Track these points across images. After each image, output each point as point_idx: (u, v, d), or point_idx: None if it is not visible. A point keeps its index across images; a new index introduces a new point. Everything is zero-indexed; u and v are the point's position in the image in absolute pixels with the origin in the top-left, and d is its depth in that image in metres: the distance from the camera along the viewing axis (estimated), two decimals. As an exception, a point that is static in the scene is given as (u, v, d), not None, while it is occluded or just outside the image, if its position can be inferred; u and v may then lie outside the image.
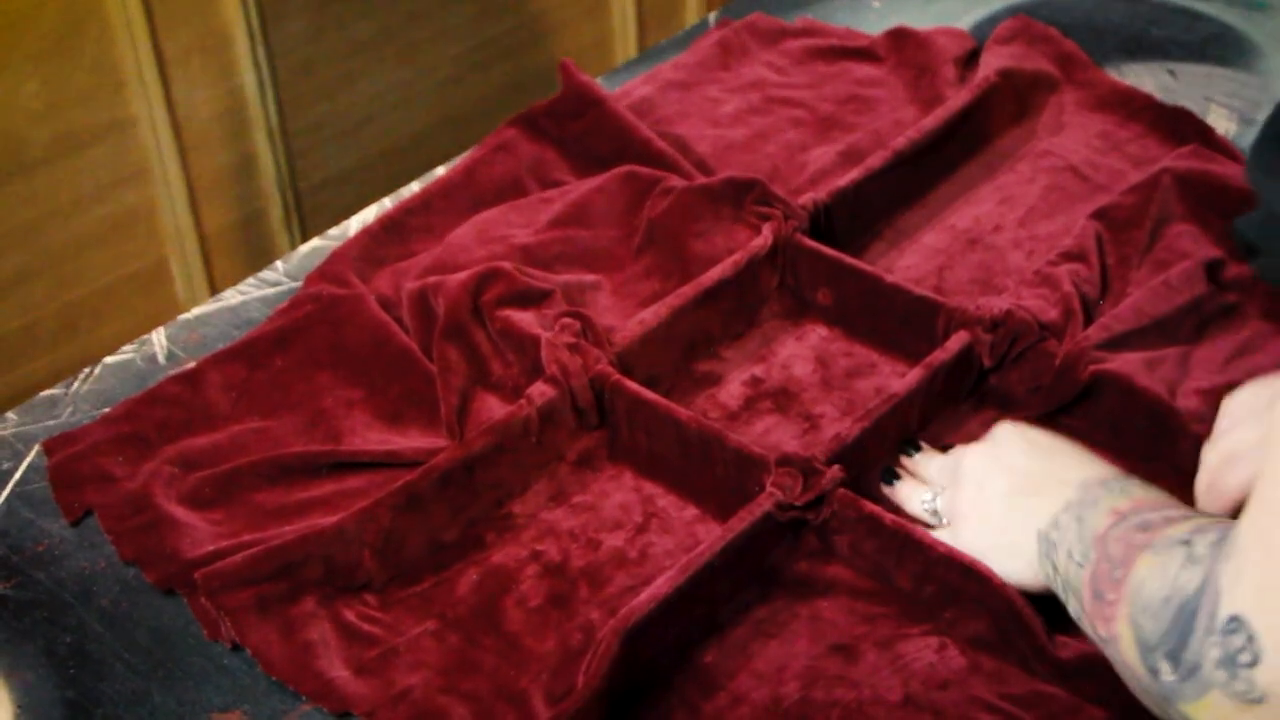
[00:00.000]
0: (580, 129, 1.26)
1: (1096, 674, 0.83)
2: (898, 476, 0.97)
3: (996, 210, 1.21)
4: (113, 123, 1.83)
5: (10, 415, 1.07)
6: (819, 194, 1.15)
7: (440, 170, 1.27)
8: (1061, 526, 0.82)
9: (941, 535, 0.92)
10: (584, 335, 1.03)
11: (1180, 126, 1.26)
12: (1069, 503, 0.83)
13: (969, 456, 0.93)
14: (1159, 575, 0.71)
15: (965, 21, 1.45)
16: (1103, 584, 0.75)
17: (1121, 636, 0.72)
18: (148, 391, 1.06)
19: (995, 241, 1.17)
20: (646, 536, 0.96)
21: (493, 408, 1.02)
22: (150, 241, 1.92)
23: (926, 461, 0.98)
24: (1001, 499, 0.89)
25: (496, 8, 2.18)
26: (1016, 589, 0.87)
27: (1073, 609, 0.80)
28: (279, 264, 1.19)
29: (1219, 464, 0.89)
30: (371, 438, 1.02)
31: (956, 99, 1.25)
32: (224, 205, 1.97)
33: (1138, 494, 0.80)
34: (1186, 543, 0.70)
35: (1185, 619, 0.68)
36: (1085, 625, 0.79)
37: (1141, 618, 0.71)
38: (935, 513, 0.94)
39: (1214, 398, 0.99)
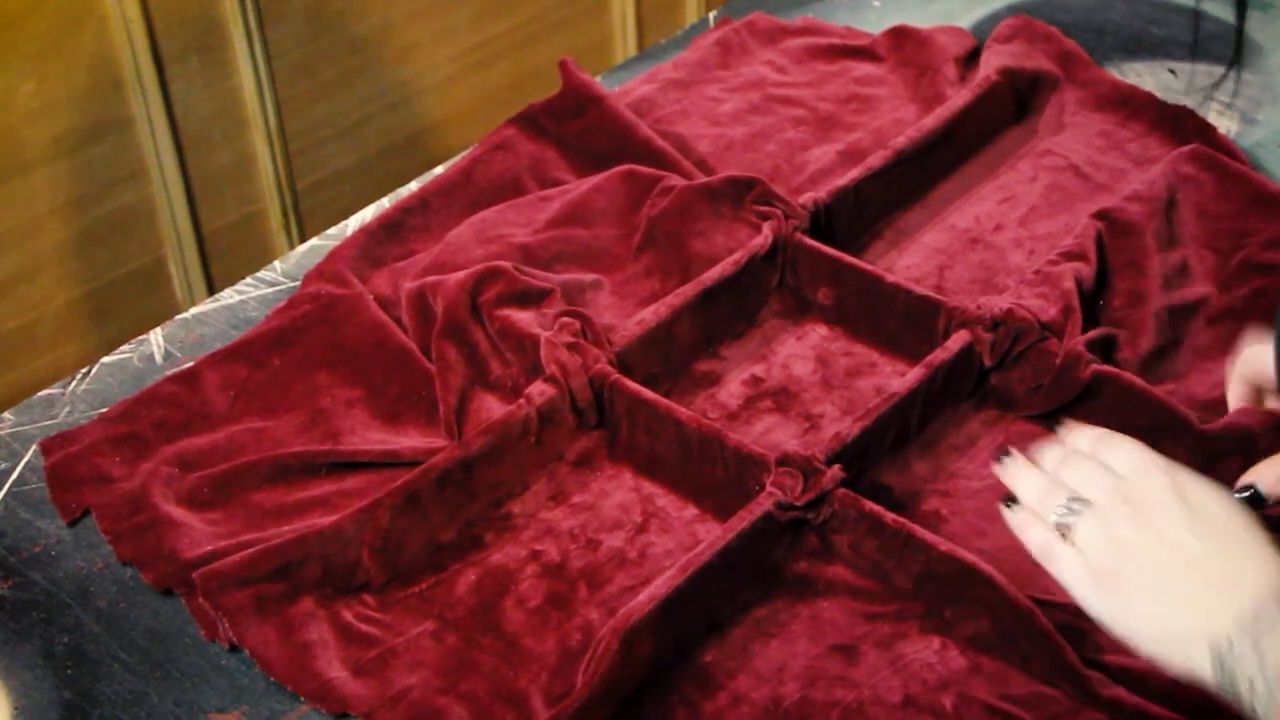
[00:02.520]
0: (580, 128, 1.26)
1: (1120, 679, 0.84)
2: (1009, 454, 0.86)
3: (997, 209, 1.20)
4: (111, 122, 1.82)
5: (7, 415, 1.07)
6: (819, 193, 1.15)
7: (439, 170, 1.27)
8: (1238, 654, 0.77)
9: (1074, 574, 0.81)
10: (583, 335, 1.03)
11: (1181, 125, 1.26)
12: (1242, 621, 0.77)
13: (1127, 508, 0.82)
14: None
15: (965, 20, 1.45)
16: None
17: None
18: (145, 391, 1.06)
19: (996, 241, 1.17)
20: (646, 536, 0.96)
21: (492, 407, 1.02)
22: (148, 241, 1.92)
23: (1061, 454, 0.85)
24: (1169, 593, 0.80)
25: (496, 8, 2.18)
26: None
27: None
28: (277, 264, 1.19)
29: None
30: (370, 437, 1.02)
31: (957, 98, 1.25)
32: (222, 205, 1.97)
33: None
34: None
35: None
36: None
37: None
38: (1064, 529, 0.82)
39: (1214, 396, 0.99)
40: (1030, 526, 0.83)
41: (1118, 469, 0.83)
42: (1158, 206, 1.14)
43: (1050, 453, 0.85)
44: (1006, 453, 0.87)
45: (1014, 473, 0.85)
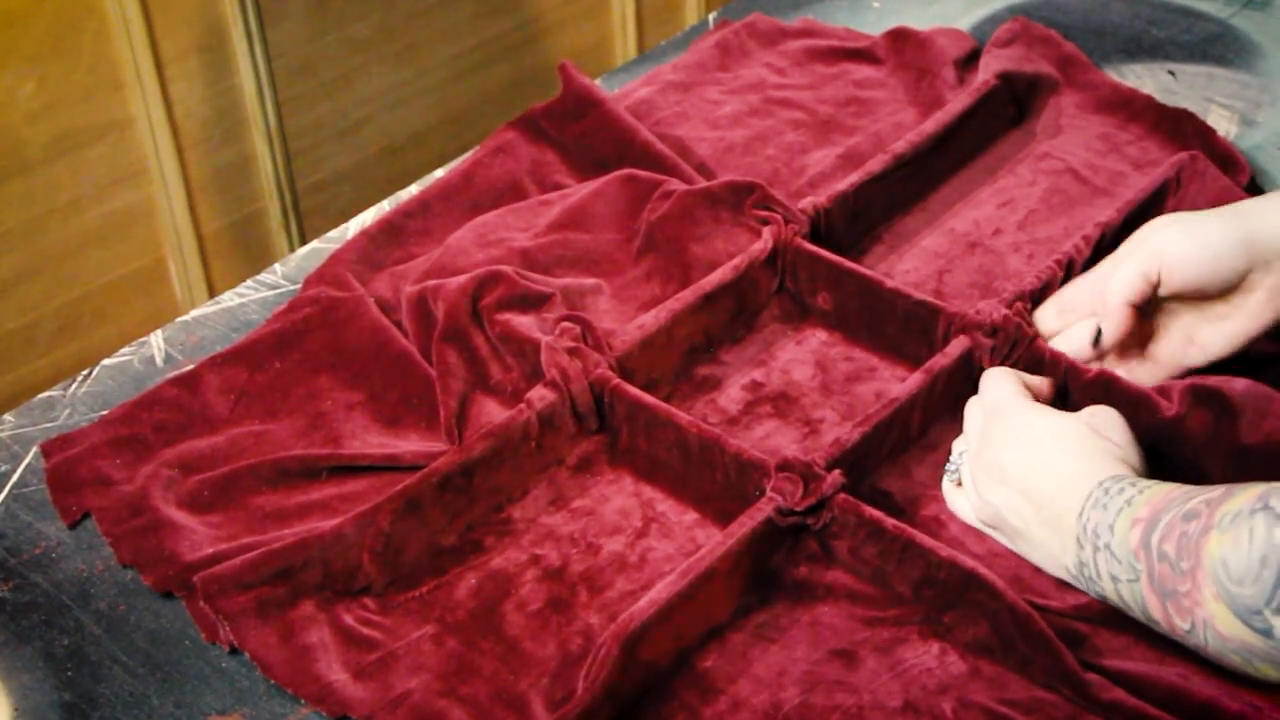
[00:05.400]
0: (580, 131, 1.26)
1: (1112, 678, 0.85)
2: None
3: (996, 213, 1.20)
4: (111, 123, 1.83)
5: (8, 417, 1.07)
6: (819, 198, 1.15)
7: (439, 173, 1.27)
8: (1088, 563, 0.86)
9: (973, 519, 0.95)
10: (583, 339, 1.03)
11: (1181, 128, 1.26)
12: (1079, 538, 0.86)
13: (978, 461, 0.94)
14: (1243, 545, 0.75)
15: (965, 22, 1.45)
16: (1169, 583, 0.80)
17: (1215, 615, 0.77)
18: (146, 394, 1.06)
19: (995, 245, 1.17)
20: (646, 541, 0.96)
21: (492, 412, 1.02)
22: (148, 242, 1.92)
23: (972, 406, 0.99)
24: (1031, 533, 0.91)
25: (496, 8, 2.18)
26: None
27: (1140, 618, 0.85)
28: (277, 267, 1.19)
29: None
30: (371, 441, 1.02)
31: (956, 102, 1.25)
32: (222, 205, 1.98)
33: (1139, 497, 0.84)
34: (1265, 508, 0.75)
35: None
36: (1160, 628, 0.83)
37: (1237, 589, 0.75)
38: (958, 471, 0.96)
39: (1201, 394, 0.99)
40: (944, 478, 0.97)
41: (987, 405, 0.95)
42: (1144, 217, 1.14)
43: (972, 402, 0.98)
44: None
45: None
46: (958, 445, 0.97)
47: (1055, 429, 0.91)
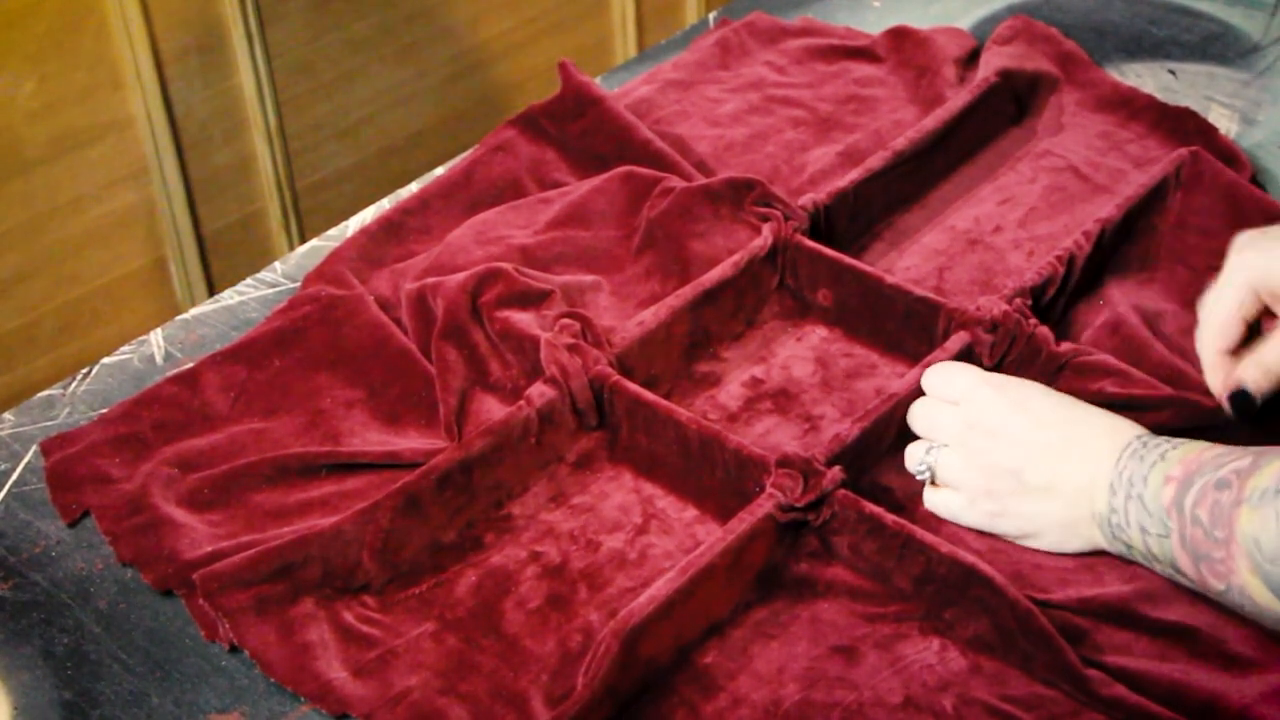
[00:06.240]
0: (579, 129, 1.26)
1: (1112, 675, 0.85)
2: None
3: (997, 211, 1.20)
4: (111, 122, 1.83)
5: (7, 416, 1.07)
6: (819, 194, 1.15)
7: (439, 171, 1.27)
8: (1120, 514, 0.86)
9: (955, 514, 0.94)
10: (583, 336, 1.03)
11: (1183, 126, 1.26)
12: (1112, 485, 0.86)
13: (973, 432, 0.93)
14: (1271, 526, 0.77)
15: (965, 21, 1.45)
16: (1202, 547, 0.81)
17: (1250, 585, 0.79)
18: (145, 392, 1.06)
19: (995, 242, 1.17)
20: (646, 538, 0.96)
21: (492, 409, 1.02)
22: (148, 241, 1.92)
23: (920, 409, 0.97)
24: (1041, 491, 0.90)
25: (496, 8, 2.18)
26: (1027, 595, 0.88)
27: (1161, 570, 0.85)
28: (277, 265, 1.19)
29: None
30: (370, 439, 1.02)
31: (956, 99, 1.25)
32: (222, 205, 1.98)
33: (1173, 453, 0.85)
34: None
35: None
36: (1187, 581, 0.84)
37: (1271, 567, 0.77)
38: (930, 470, 0.94)
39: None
40: (925, 489, 0.95)
41: (954, 396, 0.94)
42: (1144, 214, 1.15)
43: (912, 409, 0.97)
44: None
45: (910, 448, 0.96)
46: (916, 450, 0.95)
47: (1064, 397, 0.92)
